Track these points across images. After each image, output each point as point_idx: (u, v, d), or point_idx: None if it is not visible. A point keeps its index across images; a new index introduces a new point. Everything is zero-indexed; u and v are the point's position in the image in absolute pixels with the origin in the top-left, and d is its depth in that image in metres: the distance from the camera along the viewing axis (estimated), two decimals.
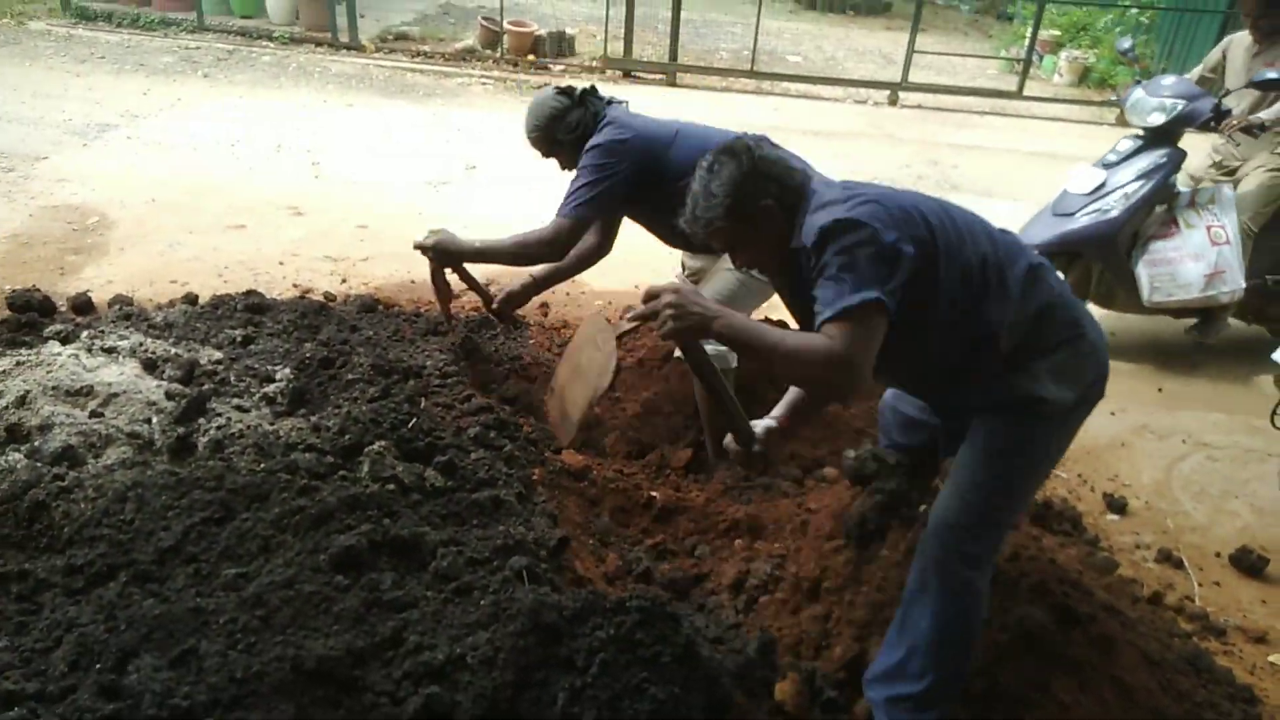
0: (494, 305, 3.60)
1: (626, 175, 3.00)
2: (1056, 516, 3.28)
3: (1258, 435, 4.05)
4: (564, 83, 3.33)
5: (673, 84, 10.07)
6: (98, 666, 1.82)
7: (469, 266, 3.51)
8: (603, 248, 3.46)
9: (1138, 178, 4.37)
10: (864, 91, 10.24)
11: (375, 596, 2.03)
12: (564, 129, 3.12)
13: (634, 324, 2.05)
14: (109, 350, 3.15)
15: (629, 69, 10.18)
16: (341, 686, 1.81)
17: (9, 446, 2.59)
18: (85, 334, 3.29)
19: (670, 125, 3.12)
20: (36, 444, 2.57)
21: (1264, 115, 4.35)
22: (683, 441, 3.32)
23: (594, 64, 10.36)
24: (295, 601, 1.97)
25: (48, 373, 2.90)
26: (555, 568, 2.34)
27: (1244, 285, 4.38)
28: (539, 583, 2.16)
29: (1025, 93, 10.06)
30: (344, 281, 4.79)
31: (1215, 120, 4.34)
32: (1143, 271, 4.47)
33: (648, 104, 5.43)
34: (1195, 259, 4.40)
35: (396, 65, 9.91)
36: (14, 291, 3.86)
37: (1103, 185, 4.44)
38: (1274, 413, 3.26)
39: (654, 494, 3.05)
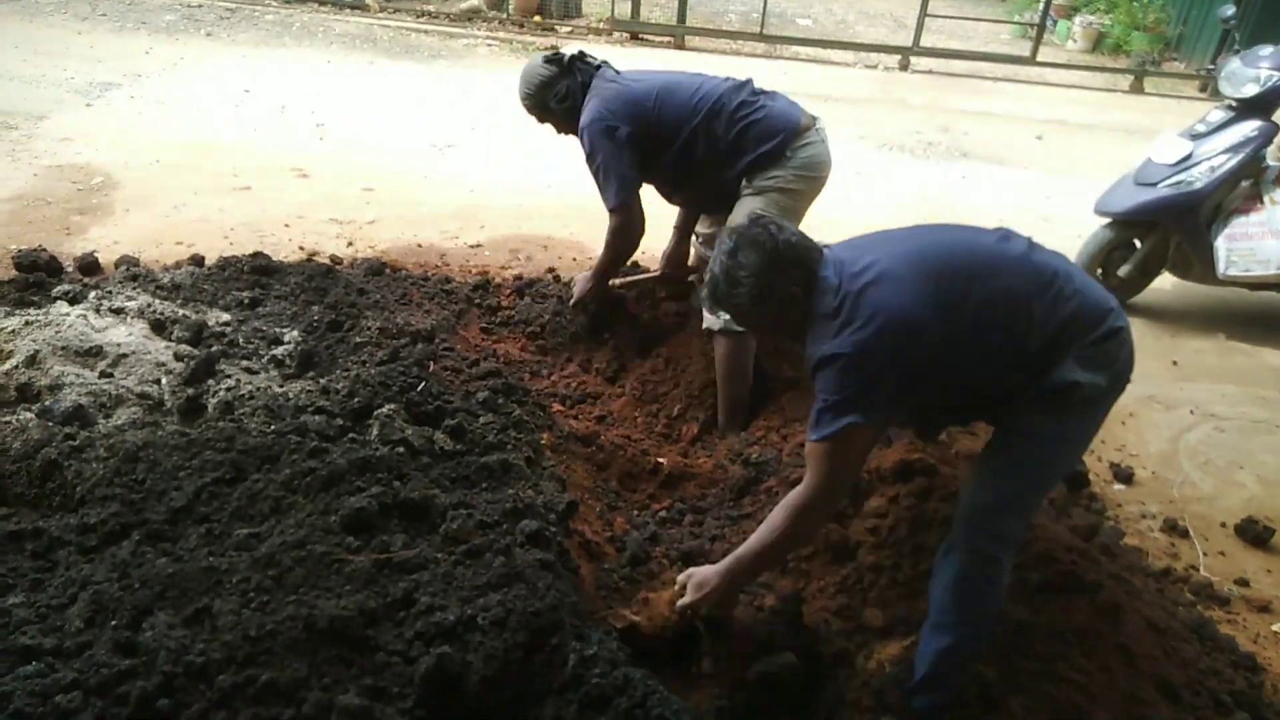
0: (662, 274, 3.68)
1: (627, 141, 3.07)
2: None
3: (1266, 406, 4.05)
4: (571, 45, 3.34)
5: (681, 46, 9.93)
6: (113, 623, 1.84)
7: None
8: (692, 216, 3.53)
9: (1226, 150, 4.30)
10: (874, 56, 10.10)
11: (386, 558, 2.04)
12: (553, 97, 3.19)
13: None
14: (117, 311, 3.15)
15: (636, 31, 10.04)
16: (354, 646, 1.82)
17: (20, 406, 2.60)
18: (93, 294, 3.28)
19: (652, 85, 3.14)
20: (47, 404, 2.57)
21: None
22: (695, 408, 3.33)
23: (601, 25, 10.22)
24: (307, 562, 1.99)
25: (56, 333, 2.90)
26: (564, 532, 2.35)
27: None
28: (547, 547, 2.18)
29: (1039, 58, 9.91)
30: (350, 244, 4.77)
31: None
32: (1221, 245, 4.42)
33: (655, 68, 5.33)
34: (1276, 236, 4.34)
35: (401, 25, 9.78)
36: (20, 251, 3.86)
37: (1189, 156, 4.37)
38: None
39: (661, 460, 3.06)
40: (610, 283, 3.59)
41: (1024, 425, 1.98)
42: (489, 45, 9.54)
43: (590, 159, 3.12)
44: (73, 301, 3.23)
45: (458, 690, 1.78)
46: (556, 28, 10.15)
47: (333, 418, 2.61)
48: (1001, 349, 1.91)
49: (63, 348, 2.83)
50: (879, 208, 5.77)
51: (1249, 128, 4.31)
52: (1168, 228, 4.49)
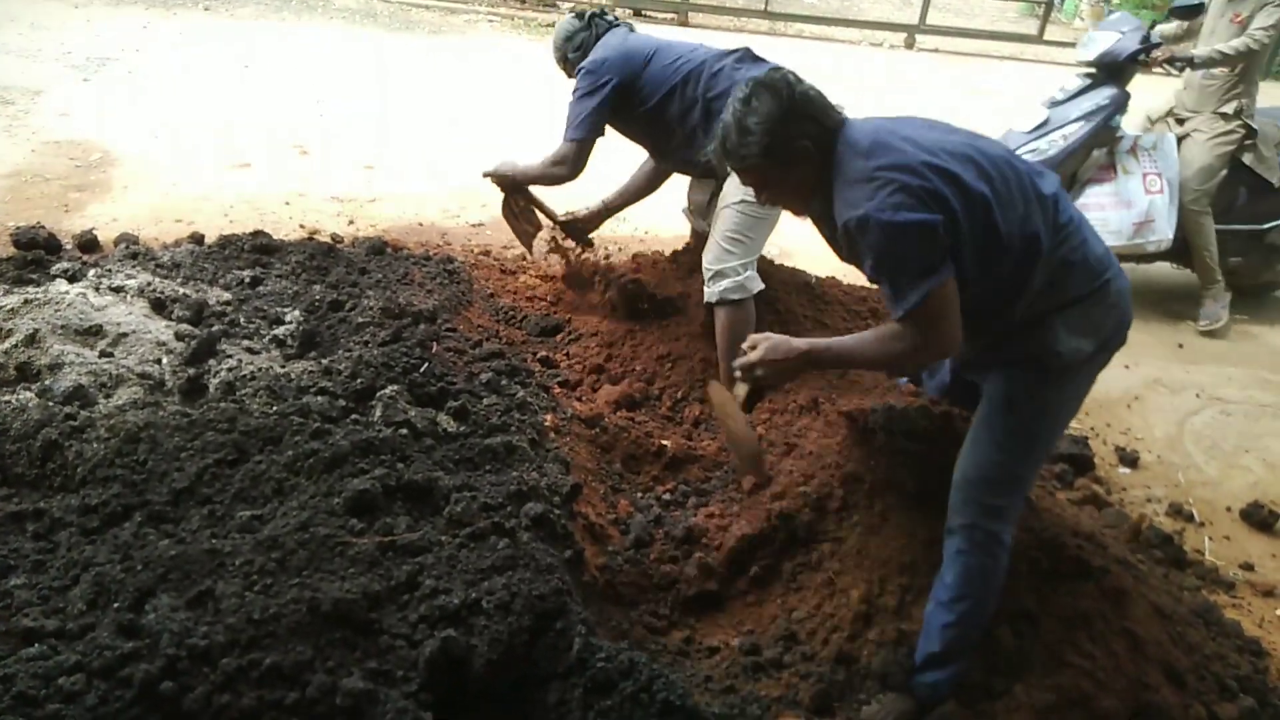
0: (561, 219, 3.85)
1: (609, 92, 3.20)
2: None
3: (1272, 390, 4.03)
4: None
5: (684, 23, 9.83)
6: (115, 605, 1.83)
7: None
8: (661, 170, 3.66)
9: (1078, 118, 4.30)
10: (880, 34, 10.00)
11: (390, 541, 2.03)
12: (572, 48, 3.39)
13: (739, 373, 2.11)
14: (117, 289, 3.12)
15: (639, 7, 9.94)
16: (358, 629, 1.81)
17: (20, 385, 2.57)
18: (92, 272, 3.25)
19: (650, 44, 3.28)
20: (47, 383, 2.55)
21: (1195, 52, 4.22)
22: (698, 388, 3.31)
23: (604, 1, 10.12)
24: (310, 544, 1.97)
25: (56, 311, 2.87)
26: (568, 514, 2.34)
27: (1172, 236, 4.32)
28: (551, 530, 2.17)
29: (1046, 36, 9.81)
30: (351, 223, 4.73)
31: (1145, 54, 4.24)
32: None
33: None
34: (1127, 206, 4.35)
35: (402, 1, 9.67)
36: (19, 229, 3.82)
37: (1045, 123, 4.38)
38: None
39: (665, 442, 3.04)
40: (521, 190, 3.74)
41: (1002, 394, 1.96)
42: (490, 21, 9.45)
43: (573, 93, 3.29)
44: (72, 280, 3.20)
45: (462, 674, 1.77)
46: (558, 3, 10.04)
47: (335, 399, 2.58)
48: (1030, 244, 1.83)
49: (62, 326, 2.80)
50: None
51: (1101, 95, 4.30)
52: None
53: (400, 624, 1.84)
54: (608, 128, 3.36)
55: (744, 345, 2.07)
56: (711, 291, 3.15)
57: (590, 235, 3.98)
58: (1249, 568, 2.98)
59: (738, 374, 2.11)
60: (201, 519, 2.10)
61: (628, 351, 3.52)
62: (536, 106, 6.51)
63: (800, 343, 2.01)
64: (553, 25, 9.46)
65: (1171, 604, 2.47)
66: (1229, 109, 4.30)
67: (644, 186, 3.74)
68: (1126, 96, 4.33)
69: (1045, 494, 2.56)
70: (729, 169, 1.97)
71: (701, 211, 3.54)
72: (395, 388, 2.63)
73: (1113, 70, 4.30)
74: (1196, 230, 4.40)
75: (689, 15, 9.85)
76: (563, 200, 3.84)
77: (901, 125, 1.91)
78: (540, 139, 5.98)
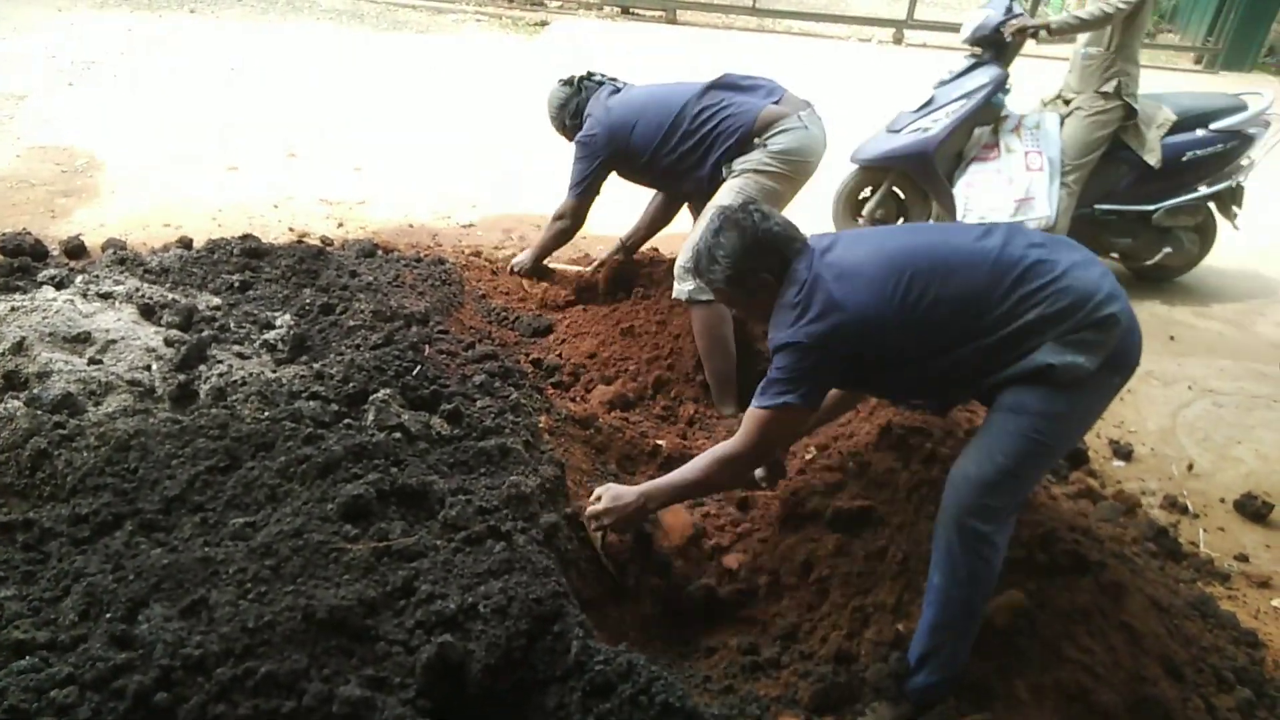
0: (590, 270, 4.05)
1: (602, 163, 3.55)
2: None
3: (1264, 381, 4.05)
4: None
5: (672, 21, 9.81)
6: (108, 616, 1.81)
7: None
8: (672, 202, 3.90)
9: (960, 97, 4.39)
10: (868, 29, 10.00)
11: (385, 546, 2.02)
12: (568, 115, 3.65)
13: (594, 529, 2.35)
14: (105, 295, 3.09)
15: (627, 6, 9.91)
16: (354, 636, 1.79)
17: (7, 394, 2.54)
18: (80, 279, 3.22)
19: (633, 109, 3.46)
20: (35, 391, 2.52)
21: (1051, 18, 4.28)
22: (691, 388, 3.31)
23: (592, 1, 10.08)
24: (304, 551, 1.95)
25: (43, 318, 2.84)
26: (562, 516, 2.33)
27: (1053, 214, 4.38)
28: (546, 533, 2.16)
29: None
30: (341, 225, 4.71)
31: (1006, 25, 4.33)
32: (960, 191, 4.52)
33: (647, 44, 5.30)
34: (1008, 183, 4.43)
35: (389, 1, 9.63)
36: (4, 235, 3.78)
37: (930, 102, 4.51)
38: None
39: (660, 442, 3.03)
40: (545, 265, 4.09)
41: (1009, 401, 1.98)
42: (478, 20, 9.41)
43: (575, 159, 3.61)
44: (59, 286, 3.17)
45: (460, 679, 1.76)
46: (546, 2, 10.00)
47: (327, 403, 2.56)
48: (956, 342, 1.97)
49: (50, 334, 2.77)
50: None
51: (981, 75, 4.39)
52: (912, 175, 4.61)
53: (396, 630, 1.82)
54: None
55: (591, 498, 2.34)
56: (680, 290, 3.23)
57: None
58: (1244, 559, 2.99)
59: (589, 525, 2.33)
60: (194, 527, 2.08)
61: (621, 351, 3.51)
62: (525, 105, 6.49)
63: (634, 489, 2.27)
64: (541, 24, 9.44)
65: (1168, 597, 2.47)
66: (1108, 88, 4.34)
67: (659, 218, 3.95)
68: (1005, 76, 4.42)
69: (1040, 489, 2.54)
70: (706, 284, 2.24)
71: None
72: (388, 391, 2.61)
73: (997, 51, 4.41)
74: (1063, 209, 4.47)
75: (677, 13, 9.83)
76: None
77: (845, 252, 2.06)
78: (529, 139, 5.98)
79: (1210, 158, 4.48)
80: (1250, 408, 3.90)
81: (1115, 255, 4.81)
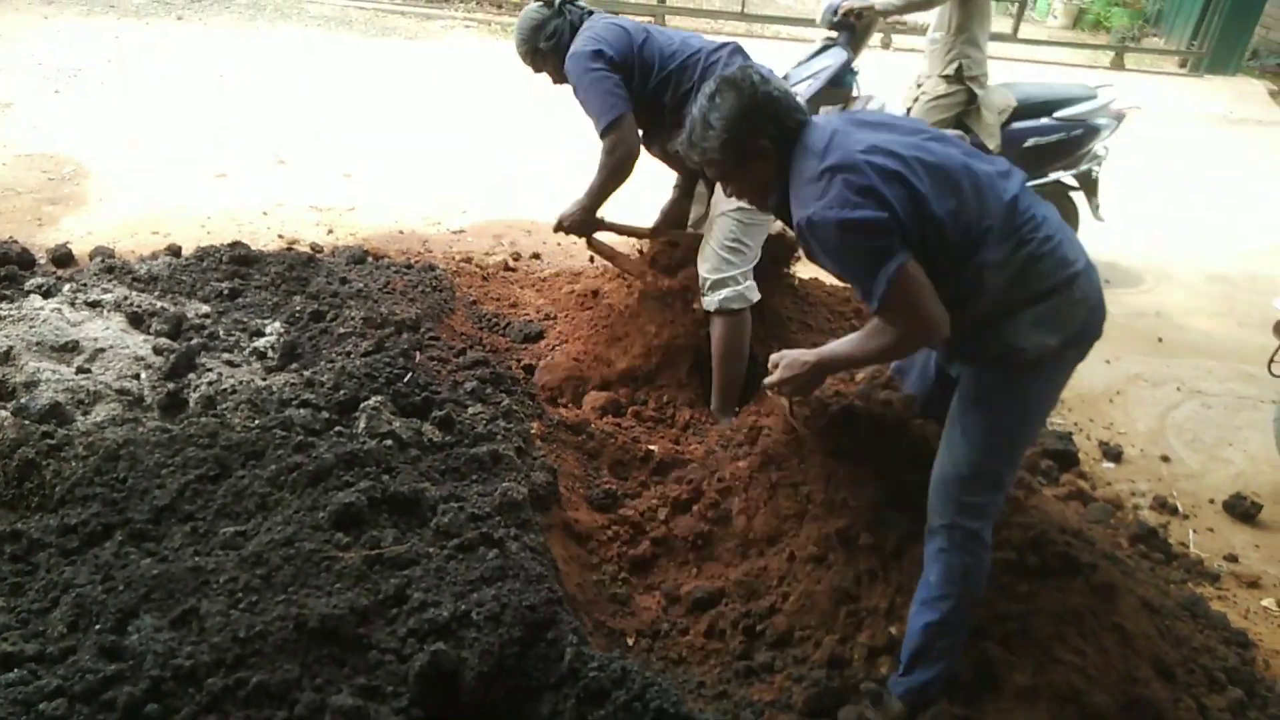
0: (655, 228, 3.56)
1: (618, 62, 3.03)
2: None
3: (1252, 383, 4.07)
4: None
5: (661, 24, 9.83)
6: (97, 627, 1.80)
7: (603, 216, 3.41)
8: (683, 203, 3.50)
9: (807, 78, 4.41)
10: None
11: (377, 554, 2.01)
12: (543, 37, 3.15)
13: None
14: (93, 304, 3.07)
15: (616, 9, 9.93)
16: (346, 645, 1.79)
17: None
18: (67, 287, 3.20)
19: (639, 27, 3.15)
20: (23, 401, 2.50)
21: (877, 2, 4.33)
22: (685, 392, 3.30)
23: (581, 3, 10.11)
24: (296, 560, 1.94)
25: (30, 328, 2.82)
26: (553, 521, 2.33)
27: None
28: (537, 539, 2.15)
29: (1020, 35, 9.89)
30: (330, 232, 4.69)
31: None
32: None
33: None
34: None
35: (378, 7, 9.62)
36: None
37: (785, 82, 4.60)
38: (1272, 360, 3.26)
39: (652, 447, 3.03)
40: (600, 219, 3.36)
41: (971, 390, 1.97)
42: (467, 26, 9.41)
43: (578, 85, 3.06)
44: (46, 295, 3.15)
45: (453, 687, 1.76)
46: None
47: (318, 411, 2.55)
48: (974, 260, 1.85)
49: (37, 343, 2.75)
50: None
51: (828, 57, 4.43)
52: None
53: (389, 638, 1.82)
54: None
55: (769, 364, 2.23)
56: (711, 300, 3.13)
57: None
58: (1233, 559, 3.01)
59: (769, 392, 2.29)
60: (184, 536, 2.07)
61: (613, 355, 3.50)
62: (515, 111, 6.49)
63: (810, 354, 2.12)
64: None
65: (1159, 598, 2.48)
66: (950, 70, 4.40)
67: (674, 215, 3.54)
68: (851, 59, 4.48)
69: (1031, 491, 2.55)
70: (694, 159, 2.02)
71: (700, 225, 3.48)
72: (379, 398, 2.61)
73: (850, 34, 4.45)
74: None
75: (666, 18, 9.85)
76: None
77: (857, 126, 1.93)
78: (521, 143, 5.98)
79: (1053, 145, 4.57)
80: (1238, 409, 3.92)
81: None
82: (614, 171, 3.14)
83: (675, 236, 3.50)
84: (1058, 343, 1.88)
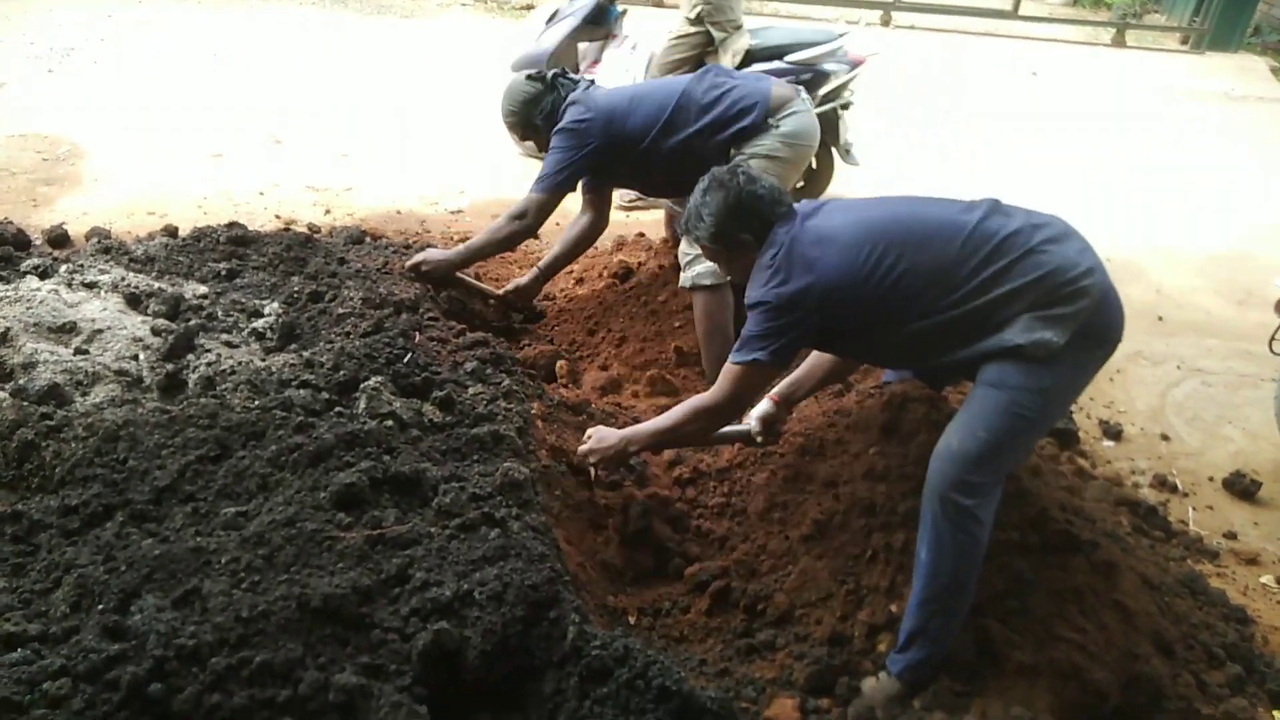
0: (502, 294, 3.62)
1: (593, 150, 3.13)
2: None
3: (1251, 361, 4.07)
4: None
5: (659, 4, 9.73)
6: (100, 607, 1.79)
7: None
8: (597, 225, 3.50)
9: (570, 14, 5.24)
10: (856, 12, 9.96)
11: (378, 534, 2.01)
12: (538, 114, 3.23)
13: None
14: (90, 285, 3.05)
15: None
16: (349, 624, 1.79)
17: None
18: (64, 268, 3.18)
19: (626, 93, 3.26)
20: (21, 382, 2.49)
21: None
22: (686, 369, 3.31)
23: None
24: (298, 540, 1.94)
25: (27, 309, 2.81)
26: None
27: None
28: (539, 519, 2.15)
29: (1021, 12, 9.82)
30: (328, 212, 4.67)
31: None
32: None
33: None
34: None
35: None
36: None
37: (553, 17, 5.41)
38: (1273, 338, 3.25)
39: None
40: (451, 283, 3.48)
41: (991, 376, 2.00)
42: (463, 4, 9.32)
43: (553, 149, 3.18)
44: (43, 276, 3.13)
45: (456, 666, 1.76)
46: None
47: (318, 391, 2.54)
48: (925, 313, 2.01)
49: (35, 324, 2.74)
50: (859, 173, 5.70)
51: (580, 2, 5.22)
52: None
53: (392, 617, 1.82)
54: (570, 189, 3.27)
55: (585, 435, 2.52)
56: (686, 277, 3.20)
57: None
58: (1232, 536, 3.02)
59: (579, 462, 2.54)
60: (185, 517, 2.07)
61: (612, 336, 3.49)
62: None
63: (618, 434, 2.44)
64: (526, 8, 9.36)
65: (1159, 575, 2.49)
66: (692, 15, 4.66)
67: (581, 242, 3.53)
68: (597, 4, 5.17)
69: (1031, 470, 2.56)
70: (693, 240, 2.33)
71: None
72: (379, 379, 2.60)
73: None
74: None
75: None
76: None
77: (827, 219, 2.14)
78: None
79: None
80: (1238, 386, 3.92)
81: None
82: (501, 243, 3.35)
83: (519, 305, 3.68)
84: (1059, 339, 1.91)
